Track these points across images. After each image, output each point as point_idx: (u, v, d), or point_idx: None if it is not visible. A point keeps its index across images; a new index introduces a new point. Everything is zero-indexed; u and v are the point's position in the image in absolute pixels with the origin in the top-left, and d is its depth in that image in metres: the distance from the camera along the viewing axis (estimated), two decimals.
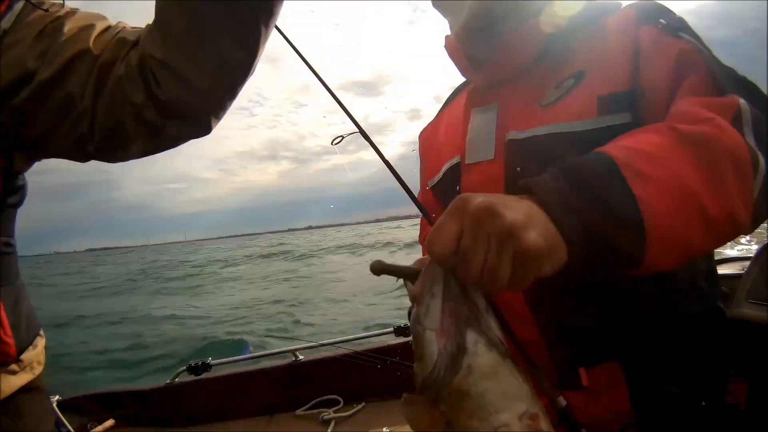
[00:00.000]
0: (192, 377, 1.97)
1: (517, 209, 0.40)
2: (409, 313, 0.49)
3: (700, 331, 0.66)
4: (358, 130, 0.77)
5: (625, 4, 0.68)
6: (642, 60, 0.60)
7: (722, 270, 2.48)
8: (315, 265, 19.37)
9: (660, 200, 0.44)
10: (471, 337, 0.40)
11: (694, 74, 0.56)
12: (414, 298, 0.44)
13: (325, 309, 8.88)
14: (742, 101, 0.52)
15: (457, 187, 0.75)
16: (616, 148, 0.47)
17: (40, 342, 0.76)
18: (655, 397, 0.64)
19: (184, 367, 1.99)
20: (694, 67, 0.56)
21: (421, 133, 0.96)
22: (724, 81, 0.54)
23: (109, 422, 1.91)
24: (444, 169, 0.80)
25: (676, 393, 0.64)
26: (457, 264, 0.40)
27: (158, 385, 2.02)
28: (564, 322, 0.63)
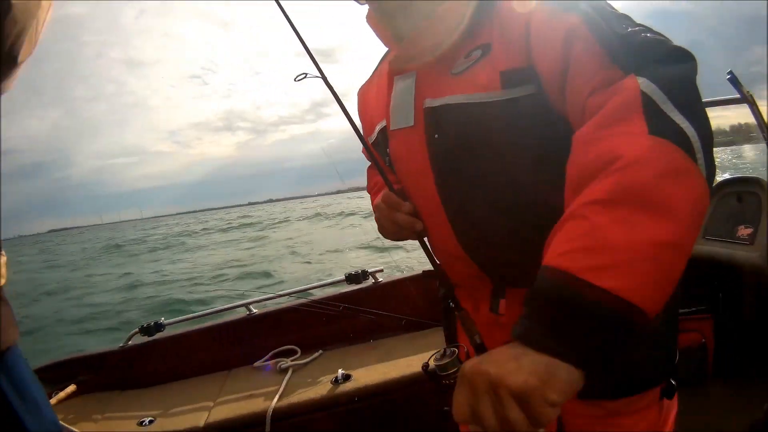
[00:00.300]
0: (146, 338, 1.97)
1: (501, 361, 0.42)
2: None
3: None
4: (320, 76, 0.79)
5: None
6: (532, 39, 0.58)
7: None
8: (279, 232, 19.50)
9: (626, 272, 0.41)
10: None
11: (584, 54, 0.52)
12: None
13: (286, 266, 9.05)
14: (641, 81, 0.46)
15: (387, 150, 0.79)
16: (558, 257, 0.44)
17: (2, 258, 0.78)
18: None
19: (137, 329, 1.98)
20: (582, 43, 0.52)
21: (359, 89, 0.98)
22: (619, 54, 0.49)
23: (71, 388, 1.91)
24: (376, 130, 0.83)
25: None
26: (478, 425, 0.43)
27: (113, 349, 2.01)
28: (486, 239, 0.67)
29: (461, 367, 0.45)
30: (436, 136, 0.68)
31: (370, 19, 0.80)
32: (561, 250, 0.44)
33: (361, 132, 0.86)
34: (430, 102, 0.68)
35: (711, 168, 0.45)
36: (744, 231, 1.96)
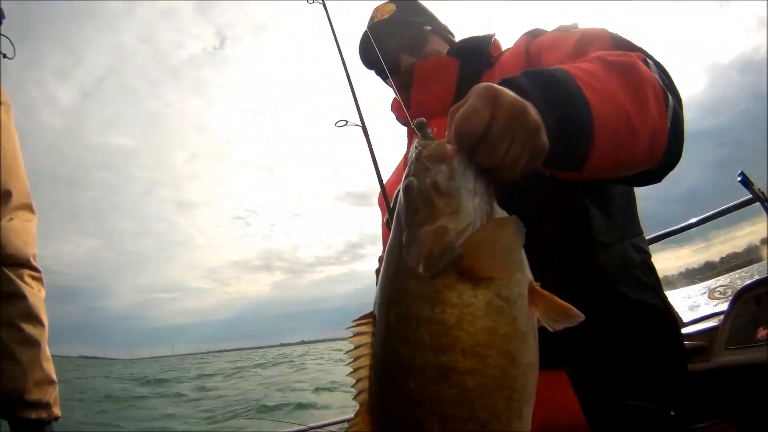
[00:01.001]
0: None
1: (535, 112, 0.47)
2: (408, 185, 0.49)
3: (646, 326, 0.71)
4: (361, 125, 0.93)
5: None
6: (544, 51, 0.81)
7: (700, 326, 2.54)
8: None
9: (602, 106, 0.56)
10: (496, 206, 0.46)
11: (600, 41, 0.75)
12: (439, 155, 0.47)
13: None
14: (645, 55, 0.67)
15: None
16: (568, 67, 0.60)
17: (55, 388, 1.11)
18: (613, 410, 0.66)
19: None
20: (598, 36, 0.75)
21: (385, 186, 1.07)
22: (625, 45, 0.73)
23: None
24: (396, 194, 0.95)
25: (637, 406, 0.66)
26: (483, 147, 0.44)
27: None
28: None
29: (489, 86, 0.46)
30: None
31: (394, 104, 1.01)
32: (572, 66, 0.60)
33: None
34: None
35: (671, 129, 0.63)
36: (764, 332, 1.82)
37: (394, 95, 1.02)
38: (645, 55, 0.68)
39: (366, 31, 1.04)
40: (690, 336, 2.59)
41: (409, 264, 0.45)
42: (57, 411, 1.14)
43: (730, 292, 2.50)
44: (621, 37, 0.74)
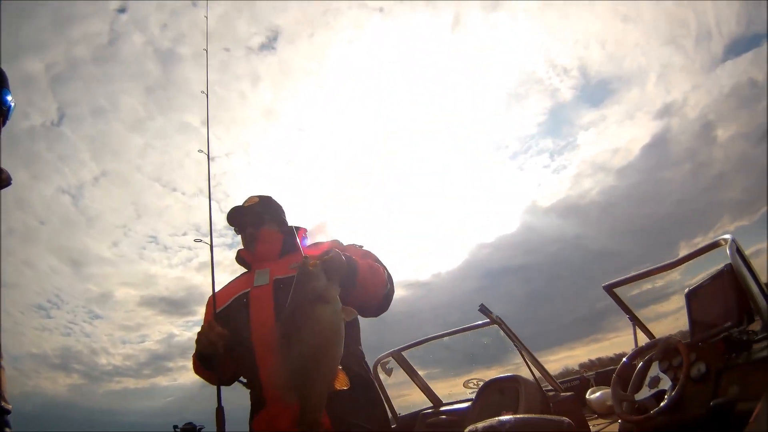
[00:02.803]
0: None
1: (345, 264, 1.45)
2: None
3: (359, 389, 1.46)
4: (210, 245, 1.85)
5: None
6: (346, 250, 1.55)
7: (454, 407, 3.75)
8: None
9: (362, 277, 1.48)
10: (334, 286, 1.36)
11: (371, 255, 1.70)
12: (314, 264, 1.32)
13: None
14: (384, 268, 1.67)
15: (245, 299, 1.64)
16: (356, 258, 1.50)
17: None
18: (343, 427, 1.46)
19: None
20: (369, 254, 1.69)
21: (211, 297, 1.76)
22: (375, 258, 1.70)
23: None
24: (233, 298, 1.67)
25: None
26: (330, 270, 1.37)
27: None
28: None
29: None
30: (281, 286, 1.57)
31: (242, 251, 1.80)
32: (358, 261, 1.52)
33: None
34: (280, 276, 1.62)
35: (390, 278, 1.67)
36: (507, 414, 2.67)
37: (241, 247, 1.82)
38: (384, 268, 1.64)
39: (235, 207, 1.82)
40: (445, 412, 3.75)
41: (305, 295, 1.25)
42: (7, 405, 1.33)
43: (481, 383, 3.63)
44: (374, 255, 1.69)
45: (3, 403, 1.30)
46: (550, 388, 3.25)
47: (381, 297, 1.61)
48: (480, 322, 3.47)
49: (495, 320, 3.18)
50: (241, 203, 1.82)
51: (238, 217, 1.79)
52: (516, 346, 3.17)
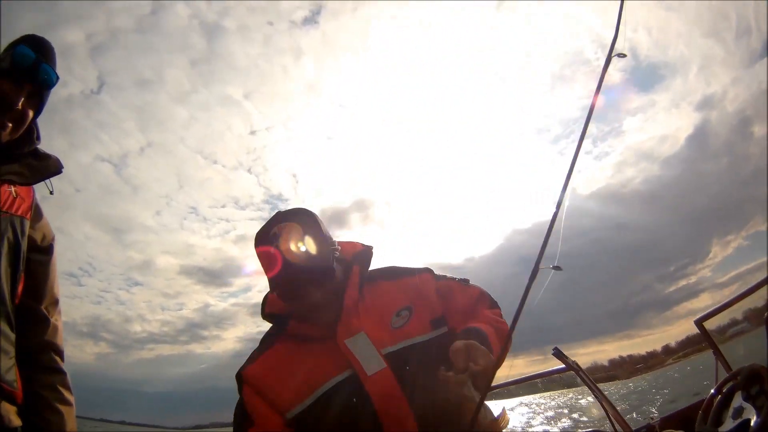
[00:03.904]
0: None
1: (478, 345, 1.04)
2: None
3: None
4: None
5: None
6: (452, 296, 1.27)
7: None
8: None
9: (494, 345, 1.08)
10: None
11: (484, 299, 1.30)
12: (461, 381, 0.97)
13: None
14: (499, 308, 1.30)
15: (355, 397, 1.08)
16: (483, 327, 1.14)
17: None
18: None
19: None
20: (484, 298, 1.30)
21: (247, 371, 1.17)
22: (493, 302, 1.31)
23: None
24: (321, 391, 1.10)
25: None
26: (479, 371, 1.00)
27: None
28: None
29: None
30: (405, 369, 1.11)
31: (297, 314, 1.19)
32: (482, 327, 1.13)
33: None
34: (389, 349, 1.13)
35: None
36: None
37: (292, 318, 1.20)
38: (499, 308, 1.30)
39: (282, 270, 1.11)
40: None
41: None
42: None
43: None
44: (491, 298, 1.32)
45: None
46: None
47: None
48: (555, 368, 3.09)
49: (572, 366, 2.85)
50: (273, 240, 1.14)
51: (291, 278, 1.14)
52: (596, 397, 2.91)
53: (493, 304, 1.31)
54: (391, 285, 1.27)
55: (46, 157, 1.36)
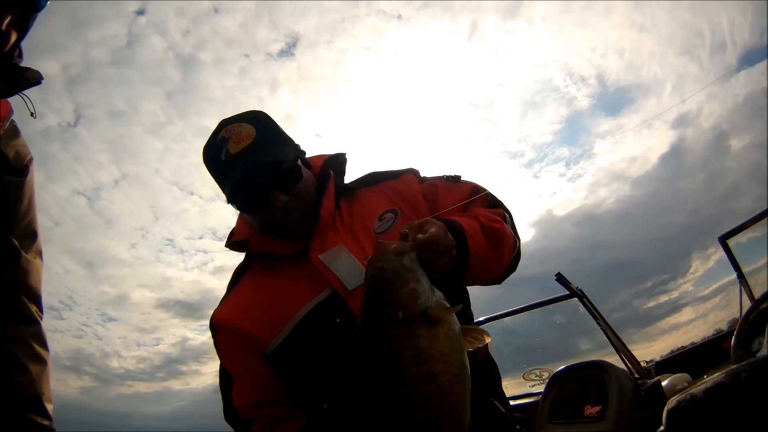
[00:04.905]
0: None
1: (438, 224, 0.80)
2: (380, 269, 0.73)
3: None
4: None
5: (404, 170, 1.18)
6: (439, 196, 1.08)
7: (522, 401, 2.94)
8: None
9: (474, 253, 0.88)
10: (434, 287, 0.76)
11: (479, 200, 1.07)
12: (401, 250, 0.74)
13: None
14: (505, 212, 1.06)
15: (338, 317, 0.94)
16: (460, 219, 0.92)
17: None
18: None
19: None
20: (478, 196, 1.07)
21: (216, 317, 1.06)
22: (495, 201, 1.09)
23: None
24: (297, 318, 0.97)
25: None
26: (429, 255, 0.77)
27: None
28: None
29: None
30: None
31: (256, 239, 1.06)
32: (462, 221, 0.91)
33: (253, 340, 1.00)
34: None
35: (514, 261, 1.05)
36: (591, 410, 2.25)
37: (252, 225, 1.07)
38: (505, 211, 1.07)
39: (239, 172, 0.97)
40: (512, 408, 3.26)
41: (388, 314, 0.69)
42: None
43: (546, 375, 2.97)
44: (493, 196, 1.09)
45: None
46: (637, 375, 2.63)
47: (504, 268, 1.05)
48: (558, 296, 2.77)
49: (575, 292, 2.54)
50: (221, 145, 0.98)
51: (248, 184, 0.98)
52: (599, 325, 2.57)
53: (494, 203, 1.09)
54: (372, 190, 1.11)
55: (23, 69, 1.18)
